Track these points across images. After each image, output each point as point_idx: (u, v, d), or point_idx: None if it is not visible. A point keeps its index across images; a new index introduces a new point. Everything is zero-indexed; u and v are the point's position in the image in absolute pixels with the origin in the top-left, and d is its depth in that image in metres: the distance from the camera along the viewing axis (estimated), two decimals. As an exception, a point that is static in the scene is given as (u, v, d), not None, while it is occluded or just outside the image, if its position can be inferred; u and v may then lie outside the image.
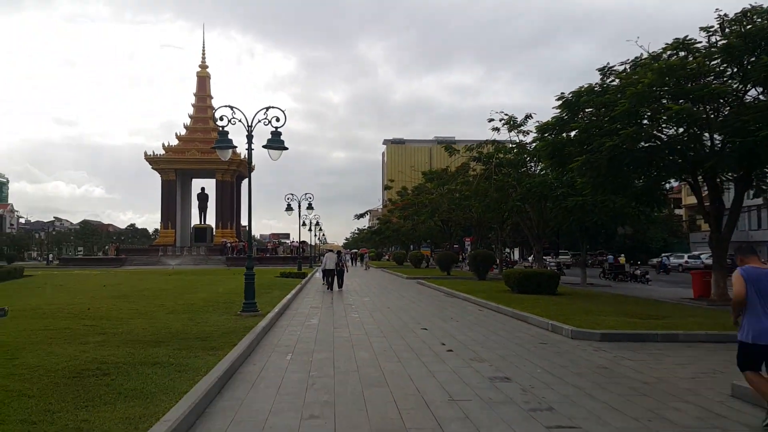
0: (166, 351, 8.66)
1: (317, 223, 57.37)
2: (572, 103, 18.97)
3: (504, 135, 32.75)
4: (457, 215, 47.34)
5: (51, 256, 76.34)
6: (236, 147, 14.58)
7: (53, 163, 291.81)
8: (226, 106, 14.08)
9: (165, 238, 69.17)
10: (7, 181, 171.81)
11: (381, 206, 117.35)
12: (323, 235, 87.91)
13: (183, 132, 72.40)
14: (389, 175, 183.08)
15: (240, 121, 13.82)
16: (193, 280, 28.00)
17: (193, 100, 74.23)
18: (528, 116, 31.56)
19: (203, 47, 75.68)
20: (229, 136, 13.55)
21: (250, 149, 13.75)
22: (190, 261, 59.05)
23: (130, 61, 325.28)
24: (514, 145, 33.75)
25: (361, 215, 75.51)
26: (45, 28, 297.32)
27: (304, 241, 64.14)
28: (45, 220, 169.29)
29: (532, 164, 32.92)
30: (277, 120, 13.77)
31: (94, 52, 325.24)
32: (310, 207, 36.93)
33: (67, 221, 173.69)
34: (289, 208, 35.66)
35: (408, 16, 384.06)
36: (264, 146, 13.59)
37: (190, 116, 73.58)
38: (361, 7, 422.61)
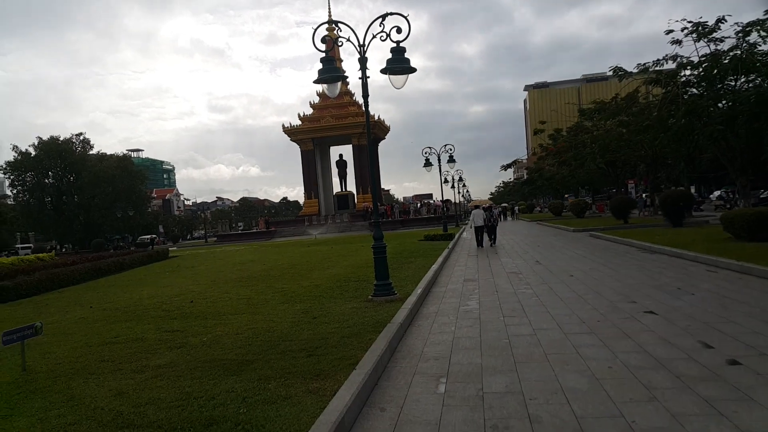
0: (245, 385, 5.31)
1: (460, 179, 53.15)
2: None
3: (687, 49, 26.16)
4: (626, 154, 40.55)
5: (208, 234, 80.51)
6: (346, 77, 10.90)
7: (214, 149, 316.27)
8: (327, 23, 10.44)
9: (309, 208, 69.35)
10: (173, 168, 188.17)
11: (526, 156, 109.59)
12: (467, 191, 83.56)
13: (317, 100, 71.53)
14: (533, 123, 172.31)
15: (348, 40, 10.10)
16: (330, 250, 25.45)
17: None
18: (721, 19, 24.83)
19: (329, 10, 73.52)
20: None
21: (364, 77, 9.93)
22: (334, 229, 58.23)
23: (269, 45, 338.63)
24: (704, 57, 26.86)
25: (508, 165, 69.67)
26: (194, 24, 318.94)
27: (447, 200, 60.37)
28: (209, 201, 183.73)
29: (732, 78, 25.99)
30: (398, 32, 9.75)
31: (236, 39, 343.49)
32: (451, 160, 32.81)
33: (228, 200, 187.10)
34: (427, 163, 31.89)
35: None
36: (383, 70, 9.73)
37: (322, 83, 72.26)
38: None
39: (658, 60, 27.94)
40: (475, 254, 20.17)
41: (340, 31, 10.15)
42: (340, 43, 10.27)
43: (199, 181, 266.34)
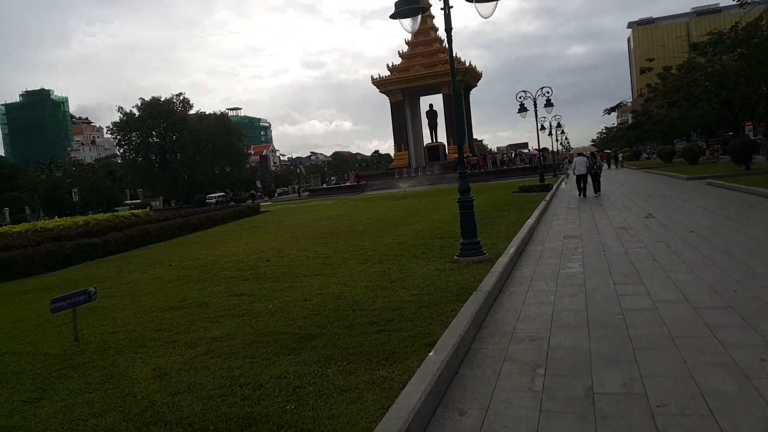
0: (300, 369, 4.49)
1: (558, 125, 49.83)
2: None
3: None
4: (745, 92, 36.00)
5: (299, 188, 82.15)
6: (426, 8, 9.53)
7: (308, 105, 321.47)
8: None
9: (399, 161, 68.49)
10: (270, 125, 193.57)
11: (631, 99, 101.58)
12: (566, 138, 79.00)
13: (406, 49, 69.51)
14: (638, 63, 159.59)
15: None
16: (419, 204, 24.48)
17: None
18: None
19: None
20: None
21: (447, 6, 8.60)
22: (425, 181, 57.13)
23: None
24: None
25: (612, 109, 64.71)
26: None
27: (545, 148, 57.14)
28: (303, 156, 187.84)
29: None
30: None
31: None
32: (548, 104, 30.33)
33: (322, 154, 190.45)
34: (522, 108, 29.73)
35: None
36: None
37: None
38: None
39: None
40: (577, 206, 18.42)
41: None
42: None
43: (295, 136, 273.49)
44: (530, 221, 13.52)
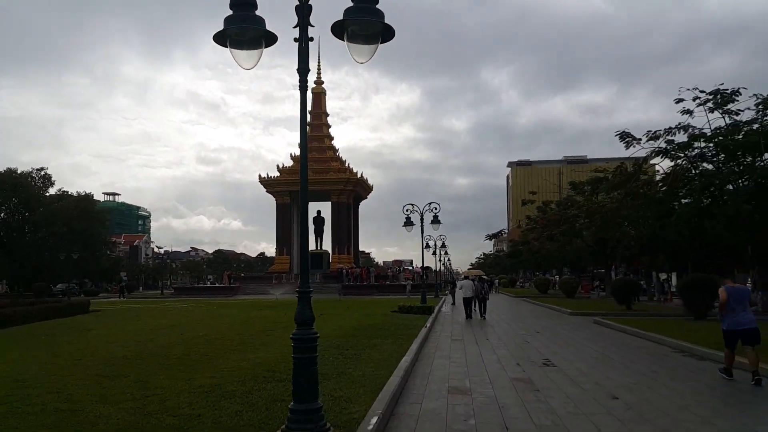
0: None
1: (443, 245, 48.97)
2: None
3: (699, 120, 24.17)
4: (622, 232, 37.29)
5: (162, 285, 74.78)
6: (272, 34, 6.43)
7: (198, 200, 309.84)
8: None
9: (280, 265, 64.58)
10: (149, 215, 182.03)
11: (506, 230, 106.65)
12: (448, 259, 79.38)
13: (297, 152, 68.16)
14: (515, 198, 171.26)
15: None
16: (281, 318, 20.54)
17: (308, 118, 69.65)
18: (736, 91, 22.73)
19: (318, 64, 71.15)
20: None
21: (302, 36, 5.73)
22: (303, 290, 53.23)
23: (266, 105, 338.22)
24: (723, 128, 24.16)
25: (494, 235, 66.00)
26: (192, 78, 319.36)
27: (428, 267, 55.89)
28: (182, 251, 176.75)
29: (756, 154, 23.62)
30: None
31: (232, 97, 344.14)
32: (435, 221, 28.70)
33: (203, 251, 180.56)
34: (408, 222, 27.81)
35: (532, 40, 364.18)
36: (335, 26, 5.55)
37: (304, 135, 68.97)
38: (484, 36, 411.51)
39: (669, 128, 24.99)
40: (460, 337, 15.77)
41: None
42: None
43: (179, 230, 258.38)
44: (407, 357, 10.51)
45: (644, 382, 9.04)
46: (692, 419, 6.66)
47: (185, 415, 6.09)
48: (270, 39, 5.69)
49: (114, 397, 6.98)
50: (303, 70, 5.72)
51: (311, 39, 5.75)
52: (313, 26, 5.72)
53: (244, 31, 5.56)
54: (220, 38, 5.67)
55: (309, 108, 70.52)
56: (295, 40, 5.74)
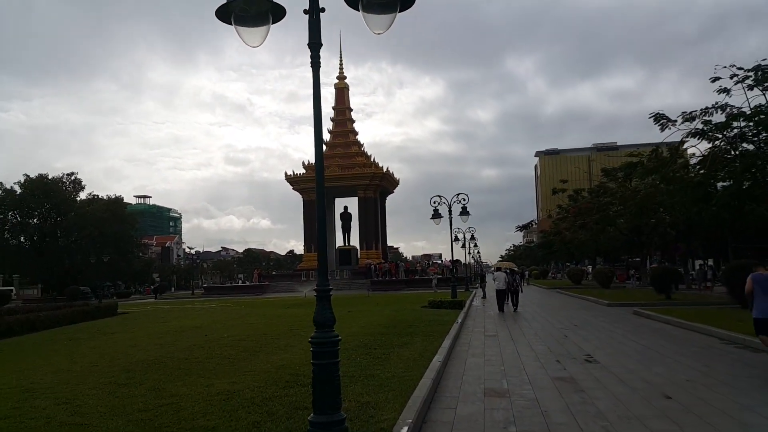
0: None
1: (472, 237, 48.06)
2: None
3: (736, 99, 22.89)
4: (657, 219, 36.09)
5: (193, 285, 75.38)
6: (282, 13, 5.87)
7: (227, 200, 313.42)
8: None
9: (308, 262, 64.47)
10: (180, 216, 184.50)
11: (536, 221, 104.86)
12: (478, 252, 78.31)
13: (324, 149, 67.83)
14: (543, 188, 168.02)
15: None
16: (308, 315, 20.19)
17: (331, 114, 69.42)
18: None
19: (340, 58, 70.76)
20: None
21: (313, 7, 5.18)
22: (332, 285, 53.08)
23: (291, 104, 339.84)
24: (764, 106, 22.82)
25: (524, 227, 64.75)
26: (217, 80, 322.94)
27: (457, 260, 55.04)
28: (213, 251, 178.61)
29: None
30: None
31: (258, 97, 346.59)
32: (464, 212, 27.95)
33: (233, 250, 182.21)
34: (436, 214, 27.14)
35: (557, 27, 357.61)
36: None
37: (329, 131, 68.82)
38: (507, 24, 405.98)
39: (706, 108, 23.73)
40: (494, 333, 15.10)
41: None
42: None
43: (210, 231, 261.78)
44: (439, 356, 9.92)
45: (697, 378, 8.30)
46: (760, 423, 5.94)
47: (198, 428, 5.61)
48: (278, 13, 5.15)
49: (125, 408, 6.55)
50: (314, 44, 5.18)
51: (323, 9, 5.20)
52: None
53: (249, 5, 5.03)
54: (223, 14, 5.16)
55: (332, 104, 70.62)
56: (305, 12, 5.19)
